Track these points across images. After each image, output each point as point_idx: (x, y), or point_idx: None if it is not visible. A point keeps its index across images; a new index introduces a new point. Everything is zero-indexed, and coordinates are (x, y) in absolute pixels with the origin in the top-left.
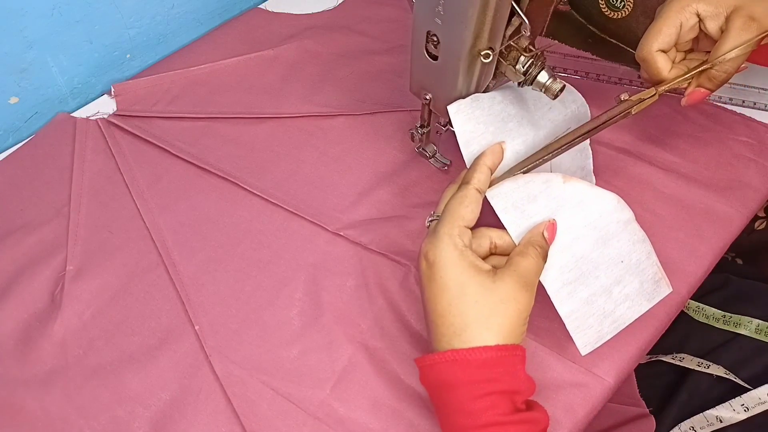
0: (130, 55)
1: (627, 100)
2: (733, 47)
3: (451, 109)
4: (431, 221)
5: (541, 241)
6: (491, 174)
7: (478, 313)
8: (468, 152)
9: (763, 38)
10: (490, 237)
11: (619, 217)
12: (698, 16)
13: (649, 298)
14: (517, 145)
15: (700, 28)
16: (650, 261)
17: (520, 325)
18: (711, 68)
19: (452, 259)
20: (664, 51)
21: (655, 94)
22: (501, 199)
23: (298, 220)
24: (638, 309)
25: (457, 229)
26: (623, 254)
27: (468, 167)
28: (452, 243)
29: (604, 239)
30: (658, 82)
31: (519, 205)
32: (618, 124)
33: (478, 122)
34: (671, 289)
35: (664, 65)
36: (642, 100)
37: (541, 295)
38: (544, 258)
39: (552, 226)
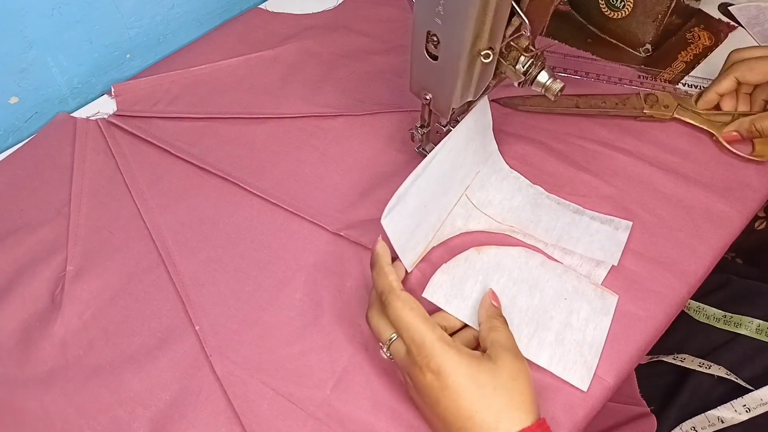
0: (130, 55)
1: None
2: None
3: (384, 222)
4: (389, 348)
5: (496, 310)
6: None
7: (502, 400)
8: (407, 261)
9: None
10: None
11: (535, 262)
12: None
13: (605, 312)
14: (434, 218)
15: None
16: (583, 283)
17: (534, 392)
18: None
19: (454, 358)
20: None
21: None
22: (437, 293)
23: (298, 220)
24: (603, 326)
25: (438, 330)
26: (559, 290)
27: (378, 275)
28: (446, 344)
29: (535, 285)
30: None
31: (455, 291)
32: (618, 125)
33: (406, 225)
34: (617, 295)
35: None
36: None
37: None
38: (507, 324)
39: (492, 293)
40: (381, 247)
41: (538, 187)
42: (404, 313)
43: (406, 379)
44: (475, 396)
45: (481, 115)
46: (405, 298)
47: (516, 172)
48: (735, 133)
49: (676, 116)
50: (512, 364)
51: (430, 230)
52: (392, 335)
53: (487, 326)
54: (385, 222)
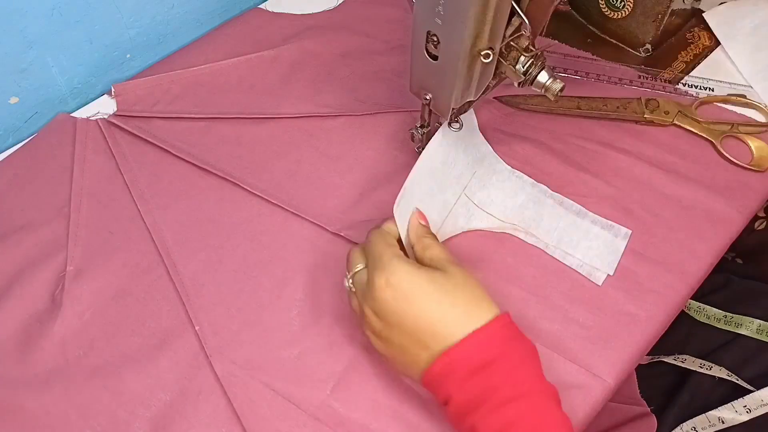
0: (130, 55)
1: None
2: None
3: (396, 210)
4: (352, 276)
5: (425, 229)
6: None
7: (465, 295)
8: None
9: None
10: None
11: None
12: None
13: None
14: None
15: None
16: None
17: (488, 293)
18: None
19: (411, 269)
20: None
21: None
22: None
23: (299, 221)
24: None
25: (397, 249)
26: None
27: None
28: (402, 260)
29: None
30: None
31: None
32: (619, 126)
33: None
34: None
35: None
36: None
37: (538, 296)
38: (434, 236)
39: (419, 213)
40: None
41: (542, 185)
42: (373, 237)
43: (363, 312)
44: (441, 296)
45: (465, 116)
46: (381, 230)
47: (518, 172)
48: None
49: (676, 122)
50: (459, 270)
51: (431, 227)
52: (359, 266)
53: (420, 246)
54: (396, 211)
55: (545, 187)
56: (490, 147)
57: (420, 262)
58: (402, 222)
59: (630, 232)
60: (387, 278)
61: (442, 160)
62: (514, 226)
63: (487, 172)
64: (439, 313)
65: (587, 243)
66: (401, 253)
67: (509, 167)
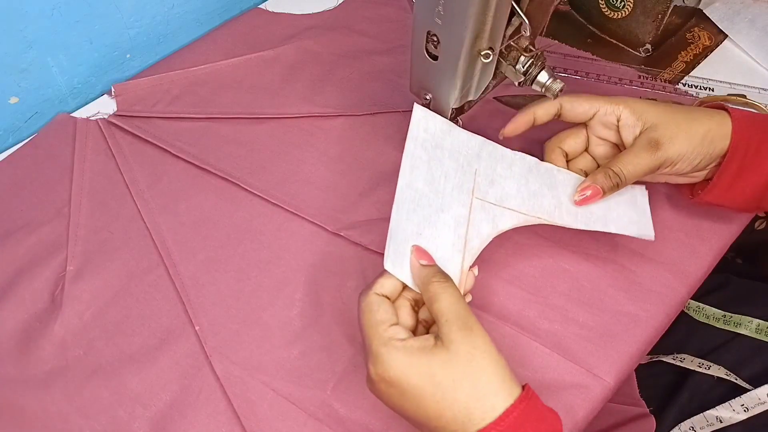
0: (130, 55)
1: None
2: (629, 162)
3: (388, 266)
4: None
5: (430, 270)
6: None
7: (465, 391)
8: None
9: (662, 167)
10: (403, 305)
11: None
12: (618, 120)
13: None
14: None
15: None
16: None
17: (501, 362)
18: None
19: (403, 361)
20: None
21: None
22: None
23: (299, 221)
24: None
25: (386, 335)
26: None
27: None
28: (392, 349)
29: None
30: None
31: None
32: None
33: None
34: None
35: (557, 158)
36: None
37: (538, 296)
38: (446, 278)
39: (417, 250)
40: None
41: (546, 163)
42: (363, 315)
43: (367, 374)
44: (437, 395)
45: (419, 127)
46: (368, 300)
47: (520, 153)
48: (589, 191)
49: None
50: (464, 343)
51: (455, 253)
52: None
53: (427, 297)
54: (389, 266)
55: (550, 165)
56: (480, 137)
57: (428, 310)
58: (401, 271)
59: (644, 186)
60: (379, 373)
61: (425, 181)
62: (539, 218)
63: (489, 165)
64: (436, 411)
65: (614, 213)
66: (392, 335)
67: (510, 151)
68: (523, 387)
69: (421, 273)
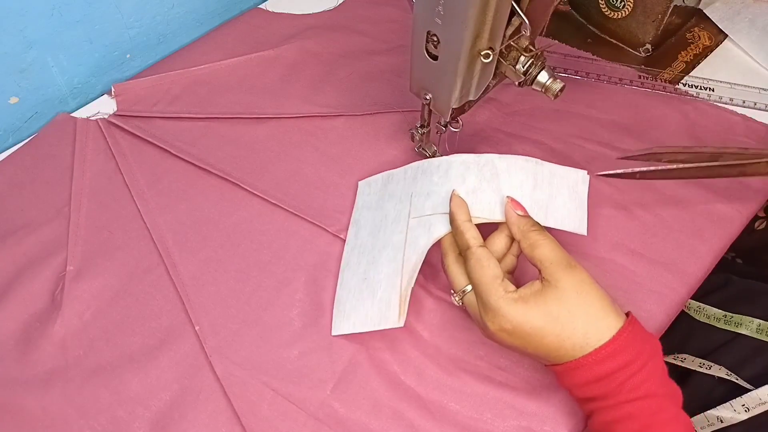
0: (130, 55)
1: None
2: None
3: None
4: (461, 299)
5: (527, 220)
6: (473, 224)
7: (581, 320)
8: (393, 321)
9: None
10: (499, 261)
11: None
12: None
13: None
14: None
15: None
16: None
17: (605, 293)
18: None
19: (522, 311)
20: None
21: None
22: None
23: (299, 221)
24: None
25: (501, 289)
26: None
27: (453, 232)
28: (511, 301)
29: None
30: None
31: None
32: (619, 125)
33: (366, 309)
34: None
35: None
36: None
37: None
38: (541, 227)
39: (511, 201)
40: (455, 205)
41: (486, 154)
42: (475, 270)
43: (482, 324)
44: (557, 328)
45: (362, 195)
46: (479, 255)
47: (462, 154)
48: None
49: None
50: (571, 279)
51: (395, 278)
52: (467, 287)
53: (527, 245)
54: (335, 331)
55: (489, 155)
56: (417, 162)
57: (529, 260)
58: (350, 324)
59: (586, 172)
60: (500, 325)
61: (369, 234)
62: (478, 218)
63: (425, 181)
64: (557, 342)
65: (557, 202)
66: (507, 288)
67: (448, 156)
68: (627, 314)
69: (519, 222)
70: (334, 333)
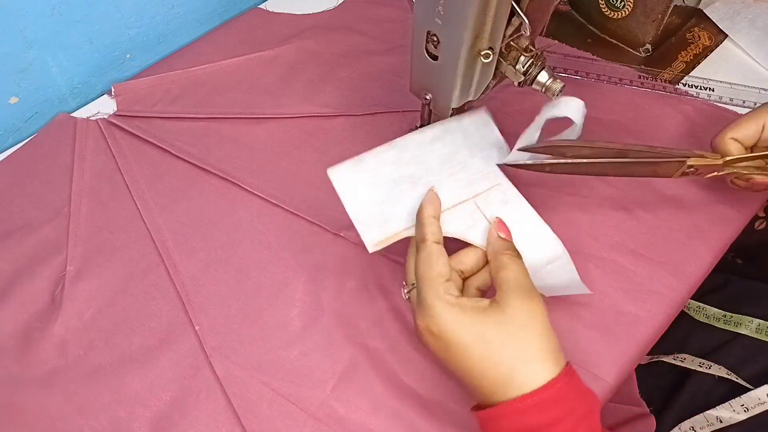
0: (130, 55)
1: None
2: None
3: (331, 173)
4: (409, 292)
5: (504, 243)
6: (438, 221)
7: (513, 353)
8: (369, 238)
9: None
10: (455, 271)
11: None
12: None
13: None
14: (411, 205)
15: None
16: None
17: (552, 335)
18: None
19: (454, 318)
20: (738, 141)
21: (721, 165)
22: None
23: (299, 221)
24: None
25: (441, 288)
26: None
27: (416, 226)
28: (446, 304)
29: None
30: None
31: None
32: (618, 125)
33: (361, 184)
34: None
35: (734, 151)
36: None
37: None
38: (518, 255)
39: (499, 222)
40: (427, 200)
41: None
42: (421, 264)
43: (414, 320)
44: (484, 353)
45: (480, 123)
46: (430, 250)
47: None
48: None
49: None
50: (522, 309)
51: (406, 216)
52: (413, 282)
53: (495, 265)
54: (331, 172)
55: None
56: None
57: (492, 280)
58: (342, 188)
59: (560, 245)
60: (428, 326)
61: (440, 155)
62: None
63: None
64: (480, 369)
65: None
66: (446, 289)
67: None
68: (566, 363)
69: (496, 243)
70: (329, 168)
